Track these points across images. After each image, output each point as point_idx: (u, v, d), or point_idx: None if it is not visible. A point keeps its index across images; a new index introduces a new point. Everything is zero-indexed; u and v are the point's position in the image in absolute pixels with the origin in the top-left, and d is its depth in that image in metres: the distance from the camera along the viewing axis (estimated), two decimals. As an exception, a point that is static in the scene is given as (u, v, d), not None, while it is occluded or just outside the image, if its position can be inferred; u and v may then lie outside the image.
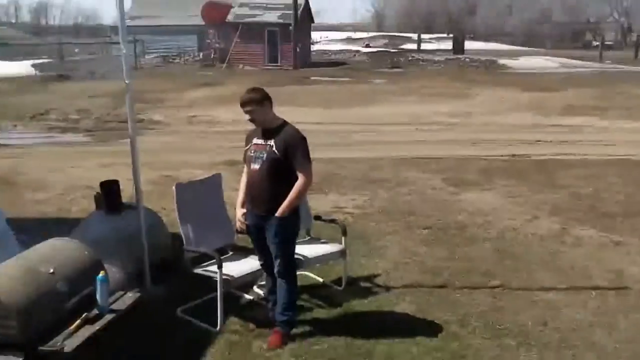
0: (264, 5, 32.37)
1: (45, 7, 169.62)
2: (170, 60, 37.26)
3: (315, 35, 58.83)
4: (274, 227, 3.95)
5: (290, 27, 30.27)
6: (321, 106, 16.64)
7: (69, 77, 26.36)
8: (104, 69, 28.55)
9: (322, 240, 5.11)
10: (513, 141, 11.94)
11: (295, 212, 4.02)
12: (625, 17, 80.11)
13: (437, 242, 6.10)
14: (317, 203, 7.36)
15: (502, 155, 10.48)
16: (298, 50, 30.50)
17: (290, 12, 30.91)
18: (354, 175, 8.87)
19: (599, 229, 6.59)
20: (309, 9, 35.42)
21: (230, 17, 32.17)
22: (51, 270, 2.92)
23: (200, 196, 4.65)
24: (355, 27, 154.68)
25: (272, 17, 31.49)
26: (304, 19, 33.72)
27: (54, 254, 3.08)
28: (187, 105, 17.13)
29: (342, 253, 4.87)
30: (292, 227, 4.06)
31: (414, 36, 77.33)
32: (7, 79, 25.06)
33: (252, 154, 4.04)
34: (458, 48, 38.90)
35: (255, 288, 4.87)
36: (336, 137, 12.38)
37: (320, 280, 5.12)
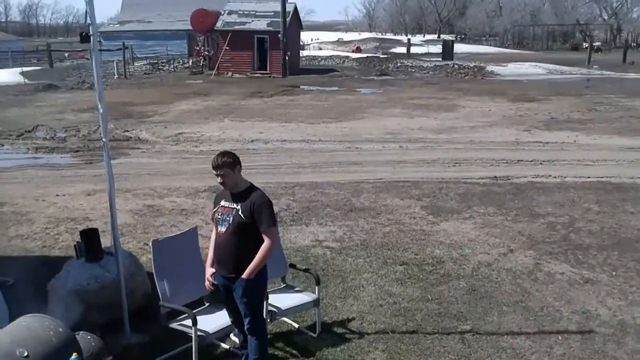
0: (253, 12, 32.47)
1: (35, 7, 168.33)
2: (160, 67, 37.19)
3: (305, 37, 58.96)
4: (241, 289, 4.10)
5: (280, 36, 30.35)
6: (307, 121, 16.77)
7: (58, 87, 26.31)
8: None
9: (297, 289, 5.25)
10: (494, 161, 12.11)
11: (261, 271, 4.17)
12: (615, 18, 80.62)
13: (412, 281, 6.25)
14: (298, 236, 7.53)
15: (482, 178, 10.62)
16: (287, 58, 30.57)
17: (279, 19, 31.00)
18: (335, 203, 9.00)
19: (571, 263, 6.77)
20: (298, 16, 35.51)
21: (219, 25, 32.22)
22: (25, 354, 3.04)
23: (177, 251, 4.77)
24: (347, 26, 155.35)
25: (261, 24, 31.59)
26: (293, 25, 33.82)
27: (28, 334, 3.19)
28: (174, 120, 17.20)
29: (315, 302, 5.01)
30: (258, 287, 4.20)
31: (405, 39, 77.68)
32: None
33: (219, 217, 4.18)
34: (447, 54, 39.05)
35: (232, 336, 5.00)
36: (320, 157, 12.51)
37: (296, 326, 5.25)
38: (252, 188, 4.19)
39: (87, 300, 5.03)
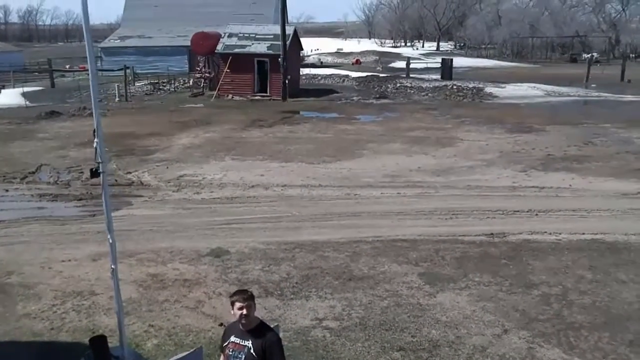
0: (253, 35, 32.73)
1: (34, 12, 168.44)
2: (161, 87, 37.46)
3: (305, 45, 59.09)
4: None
5: (280, 59, 30.61)
6: (307, 160, 16.98)
7: (60, 114, 26.55)
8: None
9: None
10: (491, 212, 12.33)
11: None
12: (613, 30, 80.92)
13: (408, 372, 6.46)
14: (299, 314, 7.74)
15: (478, 235, 10.84)
16: (287, 82, 30.84)
17: (279, 42, 31.26)
18: (334, 270, 9.21)
19: (564, 347, 6.98)
20: (298, 38, 35.79)
21: (219, 47, 32.48)
22: None
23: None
24: (346, 29, 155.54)
25: (261, 47, 31.86)
26: (294, 48, 34.09)
27: None
28: (176, 158, 17.42)
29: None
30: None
31: (404, 52, 78.07)
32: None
33: (230, 353, 4.39)
34: (446, 72, 39.31)
35: None
36: (320, 206, 12.72)
37: None
38: (262, 325, 4.41)
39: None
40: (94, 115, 4.54)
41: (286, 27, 31.41)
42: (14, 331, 7.30)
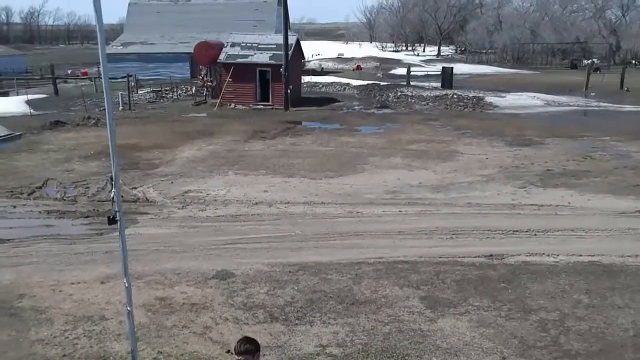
0: (255, 45, 33.00)
1: (36, 14, 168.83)
2: (163, 95, 37.73)
3: (306, 49, 59.40)
4: None
5: (281, 69, 30.88)
6: (309, 175, 17.22)
7: (64, 124, 26.81)
8: (98, 112, 29.12)
9: None
10: (490, 231, 12.56)
11: None
12: (614, 36, 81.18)
13: (410, 401, 6.69)
14: (303, 340, 7.97)
15: (478, 257, 11.08)
16: (289, 91, 31.11)
17: (281, 52, 31.53)
18: (337, 293, 9.44)
19: (559, 376, 7.21)
20: (300, 47, 36.07)
21: (222, 57, 32.75)
22: None
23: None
24: (347, 31, 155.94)
25: (263, 57, 32.13)
26: (296, 57, 34.36)
27: None
28: (180, 172, 17.67)
29: None
30: None
31: (405, 58, 78.38)
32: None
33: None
34: (447, 81, 39.59)
35: None
36: (323, 225, 12.96)
37: None
38: None
39: None
40: (112, 167, 4.77)
41: (288, 36, 31.62)
42: (28, 357, 7.54)
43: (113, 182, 4.71)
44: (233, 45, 33.14)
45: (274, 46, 32.39)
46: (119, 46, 52.67)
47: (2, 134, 6.58)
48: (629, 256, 11.19)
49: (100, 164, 18.71)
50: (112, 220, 4.78)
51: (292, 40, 32.76)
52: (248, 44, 33.12)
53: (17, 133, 8.72)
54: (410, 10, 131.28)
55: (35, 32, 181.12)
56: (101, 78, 4.84)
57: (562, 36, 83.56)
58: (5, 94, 40.19)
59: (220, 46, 33.60)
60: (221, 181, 16.78)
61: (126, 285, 4.98)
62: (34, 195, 15.40)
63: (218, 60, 32.81)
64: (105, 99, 4.87)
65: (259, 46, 32.84)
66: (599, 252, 11.35)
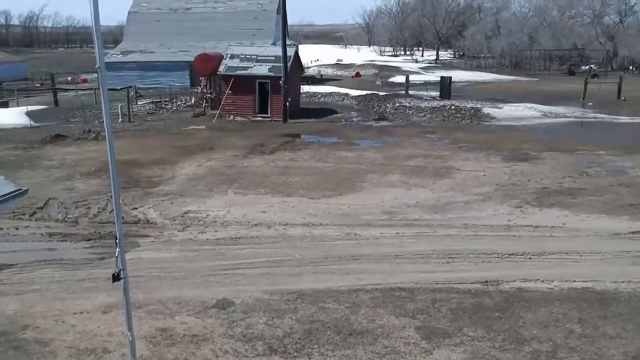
0: (255, 57, 33.24)
1: (35, 18, 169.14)
2: (163, 105, 37.97)
3: (305, 54, 59.67)
4: None
5: (280, 82, 31.12)
6: (308, 195, 17.41)
7: (65, 137, 27.03)
8: (98, 124, 29.31)
9: None
10: (486, 255, 12.78)
11: None
12: (611, 42, 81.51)
13: None
14: (300, 375, 8.15)
15: (474, 283, 11.28)
16: (288, 103, 31.35)
17: (280, 64, 31.77)
18: (335, 323, 9.64)
19: (550, 411, 7.40)
20: (299, 58, 36.32)
21: (221, 69, 32.99)
22: None
23: None
24: (347, 34, 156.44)
25: (262, 69, 32.37)
26: (295, 68, 34.59)
27: None
28: (180, 191, 17.86)
29: None
30: None
31: (404, 65, 78.69)
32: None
33: None
34: (445, 91, 39.84)
35: None
36: (320, 250, 13.15)
37: None
38: None
39: None
40: (116, 226, 4.96)
41: (287, 47, 31.86)
42: (33, 393, 7.72)
43: (118, 243, 4.90)
44: (232, 57, 33.37)
45: (273, 58, 32.63)
46: (118, 54, 52.91)
47: (9, 191, 6.67)
48: (621, 282, 11.41)
49: (101, 182, 18.90)
50: (116, 278, 4.98)
51: (291, 52, 33.01)
52: (247, 56, 33.36)
53: (24, 189, 8.86)
54: (409, 15, 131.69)
55: (34, 35, 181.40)
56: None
57: (560, 42, 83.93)
58: (6, 104, 40.35)
59: (219, 58, 33.84)
60: (221, 201, 16.98)
61: (129, 339, 5.16)
62: (36, 216, 15.58)
63: (217, 72, 33.02)
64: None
65: (258, 58, 33.09)
66: (592, 278, 11.56)
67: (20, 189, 7.10)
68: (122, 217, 14.95)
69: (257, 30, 53.84)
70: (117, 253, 4.88)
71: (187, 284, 11.27)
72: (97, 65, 4.72)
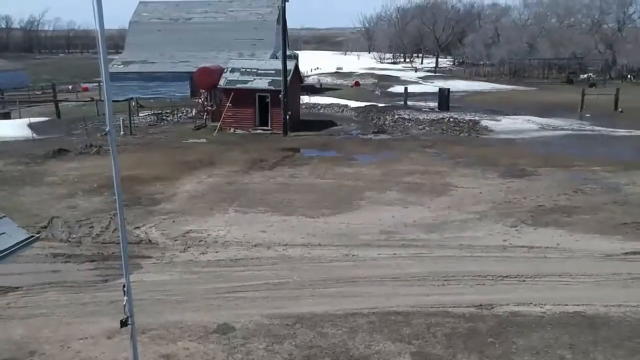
0: (255, 70, 33.60)
1: (36, 23, 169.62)
2: (164, 117, 38.34)
3: (305, 64, 60.20)
4: None
5: (280, 96, 31.48)
6: (307, 214, 17.70)
7: (67, 151, 27.34)
8: (100, 137, 29.62)
9: None
10: (481, 277, 13.07)
11: None
12: (610, 50, 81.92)
13: None
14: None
15: (468, 307, 11.58)
16: (288, 116, 31.69)
17: (280, 78, 32.12)
18: (332, 348, 9.94)
19: None
20: (299, 72, 36.69)
21: (222, 82, 33.34)
22: None
23: None
24: (346, 39, 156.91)
25: (262, 83, 32.72)
26: (295, 82, 34.96)
27: None
28: (181, 209, 18.15)
29: None
30: None
31: (403, 75, 79.14)
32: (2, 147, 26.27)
33: None
34: (443, 103, 40.21)
35: None
36: (319, 271, 13.44)
37: None
38: None
39: None
40: (124, 273, 5.27)
41: (287, 61, 32.20)
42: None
43: (125, 290, 5.20)
44: (233, 70, 33.73)
45: (273, 72, 32.98)
46: (119, 65, 53.27)
47: (21, 239, 6.88)
48: (612, 305, 11.71)
49: (103, 200, 19.22)
50: (124, 324, 5.27)
51: (290, 65, 33.36)
52: (247, 70, 33.72)
53: (36, 235, 9.16)
54: (408, 22, 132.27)
55: (35, 40, 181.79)
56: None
57: (558, 50, 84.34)
58: (8, 115, 40.70)
59: (220, 71, 34.21)
60: (221, 219, 17.28)
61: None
62: (40, 236, 15.83)
63: (218, 86, 33.38)
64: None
65: (258, 72, 33.45)
66: (584, 302, 11.86)
67: (33, 236, 7.36)
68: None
69: (258, 40, 54.27)
70: (124, 301, 5.17)
71: (188, 308, 11.56)
72: (107, 129, 5.02)
